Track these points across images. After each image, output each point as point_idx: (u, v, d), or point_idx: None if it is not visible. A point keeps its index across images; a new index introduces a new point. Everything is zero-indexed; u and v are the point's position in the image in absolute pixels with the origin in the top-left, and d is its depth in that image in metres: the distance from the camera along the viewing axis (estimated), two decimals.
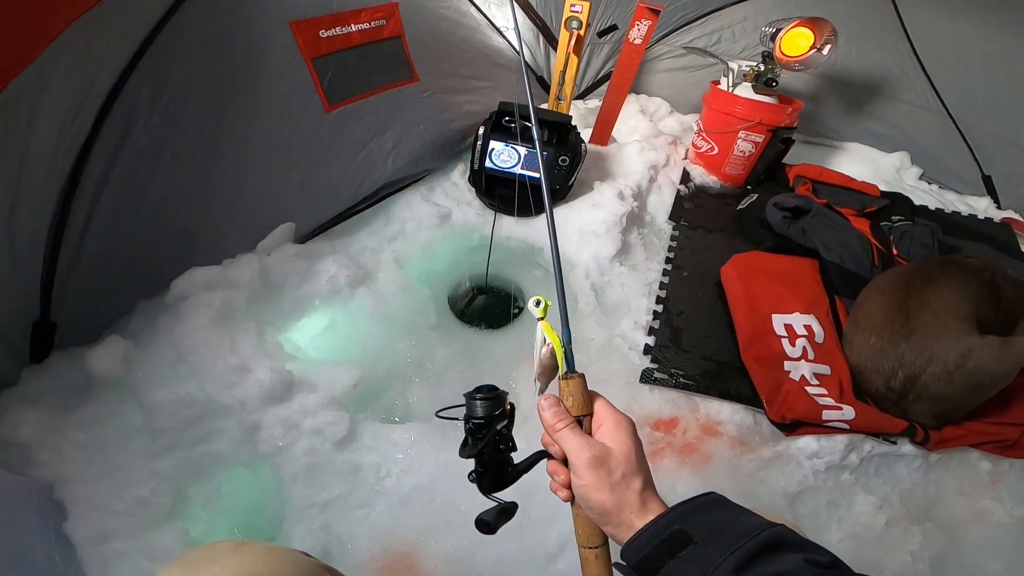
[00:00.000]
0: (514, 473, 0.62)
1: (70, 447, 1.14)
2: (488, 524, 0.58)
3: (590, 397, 0.61)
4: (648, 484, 0.56)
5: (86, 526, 1.06)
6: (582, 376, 0.61)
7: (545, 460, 0.62)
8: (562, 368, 0.61)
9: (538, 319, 0.61)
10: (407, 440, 1.31)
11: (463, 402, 0.62)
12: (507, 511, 0.60)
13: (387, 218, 1.89)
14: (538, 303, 0.61)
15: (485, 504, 0.60)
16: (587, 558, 0.59)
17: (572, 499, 0.59)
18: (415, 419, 1.41)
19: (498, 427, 0.60)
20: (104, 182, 1.24)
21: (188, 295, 1.33)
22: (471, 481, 0.61)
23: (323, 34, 1.62)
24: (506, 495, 0.61)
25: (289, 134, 1.60)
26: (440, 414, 0.64)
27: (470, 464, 0.61)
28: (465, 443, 0.62)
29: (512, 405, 0.63)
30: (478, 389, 0.62)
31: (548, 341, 0.60)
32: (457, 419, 0.62)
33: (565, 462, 0.58)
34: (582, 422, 0.60)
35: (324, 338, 1.56)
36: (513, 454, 0.62)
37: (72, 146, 1.18)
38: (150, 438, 1.19)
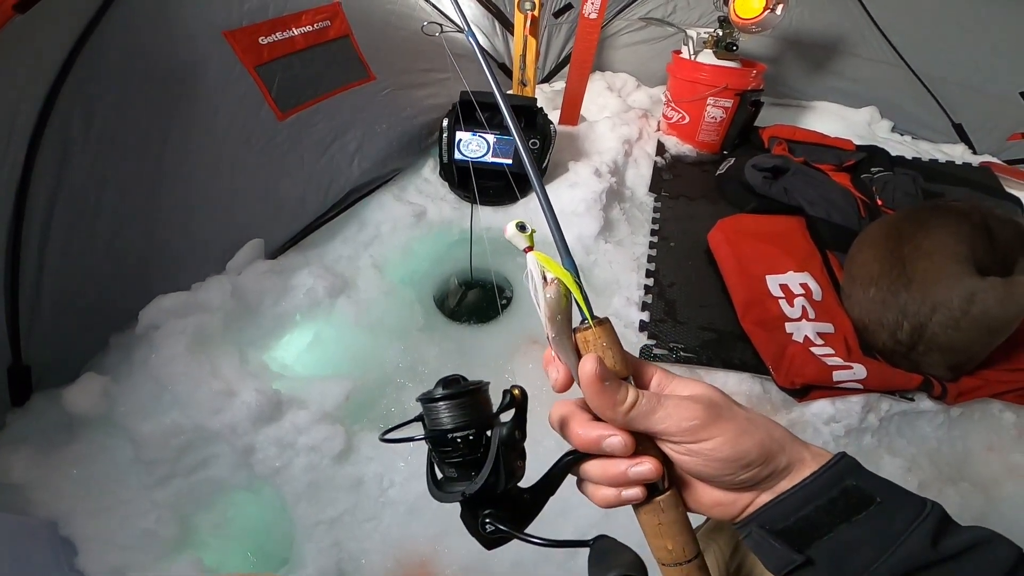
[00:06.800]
0: (535, 500, 0.41)
1: (66, 485, 1.13)
2: None
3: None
4: None
5: (98, 562, 1.04)
6: (607, 321, 0.39)
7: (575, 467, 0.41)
8: (586, 311, 0.38)
9: (524, 249, 0.38)
10: (407, 446, 1.25)
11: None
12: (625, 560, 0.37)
13: (360, 223, 1.83)
14: (522, 227, 0.38)
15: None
16: None
17: (646, 499, 0.39)
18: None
19: (504, 433, 0.38)
20: (49, 216, 1.19)
21: (160, 324, 1.28)
22: (482, 535, 0.39)
23: (263, 40, 1.55)
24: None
25: (242, 146, 1.53)
26: (385, 438, 0.41)
27: None
28: (431, 475, 0.41)
29: (521, 391, 0.39)
30: (440, 383, 0.40)
31: (551, 276, 0.38)
32: (413, 439, 0.40)
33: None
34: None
35: (311, 353, 1.51)
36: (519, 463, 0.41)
37: (8, 184, 1.12)
38: (144, 470, 1.18)
